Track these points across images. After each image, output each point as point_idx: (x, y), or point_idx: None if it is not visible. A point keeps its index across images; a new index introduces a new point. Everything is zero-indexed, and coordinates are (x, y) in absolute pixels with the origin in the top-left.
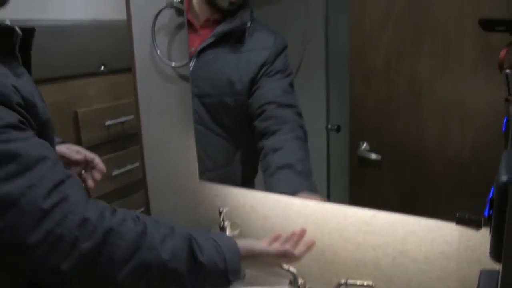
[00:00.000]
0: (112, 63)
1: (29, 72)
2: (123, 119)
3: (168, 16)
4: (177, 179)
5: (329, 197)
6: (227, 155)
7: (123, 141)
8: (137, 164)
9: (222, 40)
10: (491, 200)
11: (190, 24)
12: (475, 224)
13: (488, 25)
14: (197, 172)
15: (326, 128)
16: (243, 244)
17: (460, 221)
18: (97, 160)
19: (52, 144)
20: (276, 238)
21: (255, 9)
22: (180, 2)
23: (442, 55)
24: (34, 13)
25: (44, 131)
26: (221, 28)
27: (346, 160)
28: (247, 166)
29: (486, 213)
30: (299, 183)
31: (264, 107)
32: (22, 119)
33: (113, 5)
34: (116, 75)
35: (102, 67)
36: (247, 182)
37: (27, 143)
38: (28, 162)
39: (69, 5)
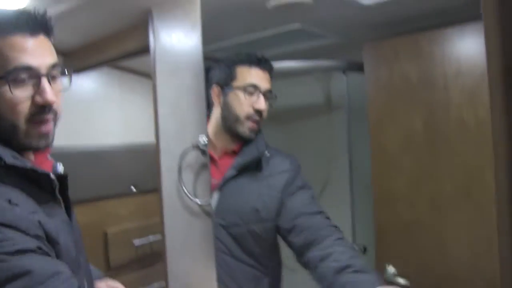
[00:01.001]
0: (142, 184)
1: (68, 214)
2: (151, 238)
3: (194, 156)
4: None
5: None
6: (255, 283)
7: (150, 259)
8: (163, 283)
9: (242, 170)
10: None
11: (211, 158)
12: None
13: None
14: None
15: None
16: None
17: None
18: None
19: None
20: None
21: (282, 128)
22: (205, 145)
23: (463, 179)
24: (72, 139)
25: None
26: (241, 160)
27: None
28: None
29: None
30: (367, 280)
31: (295, 222)
32: (42, 246)
33: (145, 130)
34: (145, 195)
35: (133, 188)
36: None
37: (40, 261)
38: (41, 277)
39: (104, 131)
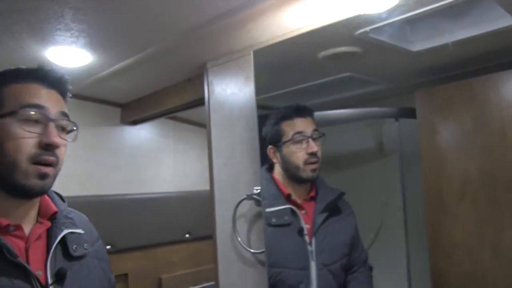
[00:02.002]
0: (195, 231)
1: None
2: (204, 284)
3: (248, 206)
4: None
5: None
6: None
7: None
8: None
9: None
10: None
11: (294, 204)
12: None
13: None
14: None
15: None
16: None
17: None
18: None
19: None
20: None
21: (336, 173)
22: (257, 194)
23: None
24: (128, 188)
25: None
26: (324, 204)
27: None
28: None
29: None
30: None
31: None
32: None
33: (199, 178)
34: (199, 242)
35: (187, 235)
36: None
37: None
38: None
39: (162, 179)
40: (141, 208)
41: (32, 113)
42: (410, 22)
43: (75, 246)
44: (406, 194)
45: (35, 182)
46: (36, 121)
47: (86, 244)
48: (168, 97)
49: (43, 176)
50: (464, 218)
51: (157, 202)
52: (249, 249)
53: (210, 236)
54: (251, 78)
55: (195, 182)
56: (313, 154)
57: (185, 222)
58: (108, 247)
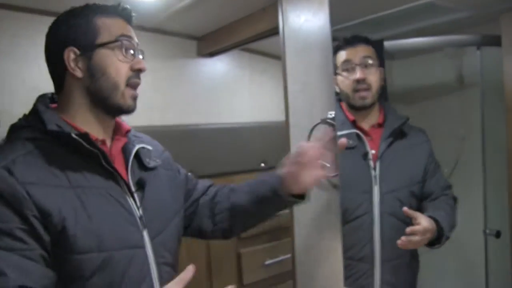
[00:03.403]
0: (270, 161)
1: (142, 187)
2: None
3: (323, 130)
4: (322, 281)
5: None
6: None
7: (277, 233)
8: (289, 256)
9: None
10: None
11: (361, 130)
12: None
13: None
14: (341, 278)
15: (484, 232)
16: None
17: None
18: None
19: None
20: None
21: (412, 107)
22: (331, 119)
23: None
24: (205, 118)
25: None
26: (390, 129)
27: (508, 270)
28: None
29: None
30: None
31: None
32: (20, 226)
33: (275, 109)
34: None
35: (262, 164)
36: None
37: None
38: None
39: (238, 110)
40: (218, 138)
41: (127, 42)
42: None
43: (147, 159)
44: (486, 129)
45: (130, 102)
46: (126, 49)
47: (155, 158)
48: (243, 28)
49: (135, 98)
50: None
51: (233, 132)
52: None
53: None
54: (325, 2)
55: (271, 113)
56: (360, 81)
57: (261, 152)
58: (189, 173)
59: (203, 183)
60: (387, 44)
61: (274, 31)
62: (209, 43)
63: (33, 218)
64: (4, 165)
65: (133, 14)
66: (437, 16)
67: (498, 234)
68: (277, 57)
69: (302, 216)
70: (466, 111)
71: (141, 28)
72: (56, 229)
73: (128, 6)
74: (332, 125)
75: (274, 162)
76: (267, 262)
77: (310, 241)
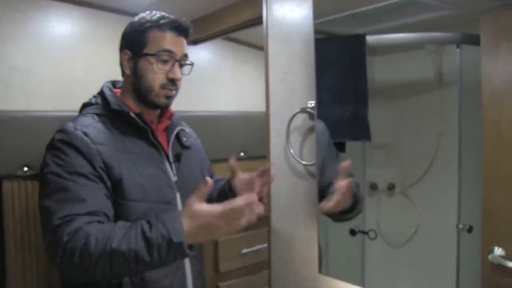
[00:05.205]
0: (250, 150)
1: (178, 159)
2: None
3: (301, 119)
4: (298, 268)
5: None
6: None
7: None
8: (265, 245)
9: None
10: None
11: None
12: None
13: None
14: (316, 264)
15: (457, 227)
16: (186, 210)
17: None
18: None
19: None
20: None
21: (390, 103)
22: (311, 108)
23: None
24: (187, 105)
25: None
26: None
27: (478, 265)
28: None
29: None
30: None
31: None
32: (93, 172)
33: (257, 100)
34: (253, 161)
35: (242, 154)
36: None
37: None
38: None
39: (220, 99)
40: (198, 126)
41: (165, 57)
42: None
43: (185, 139)
44: (463, 125)
45: (163, 101)
46: (165, 61)
47: (191, 139)
48: (228, 16)
49: (168, 97)
50: None
51: (214, 120)
52: (301, 161)
53: (263, 156)
54: None
55: (253, 103)
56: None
57: (241, 141)
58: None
59: (216, 178)
60: (369, 38)
61: (258, 21)
62: (194, 31)
63: (100, 169)
64: (81, 129)
65: (190, 28)
66: (420, 13)
67: (470, 229)
68: (260, 47)
69: (279, 204)
70: (444, 108)
71: (124, 13)
72: (115, 179)
73: (184, 22)
74: (311, 114)
75: (254, 152)
76: (243, 251)
77: (286, 229)
